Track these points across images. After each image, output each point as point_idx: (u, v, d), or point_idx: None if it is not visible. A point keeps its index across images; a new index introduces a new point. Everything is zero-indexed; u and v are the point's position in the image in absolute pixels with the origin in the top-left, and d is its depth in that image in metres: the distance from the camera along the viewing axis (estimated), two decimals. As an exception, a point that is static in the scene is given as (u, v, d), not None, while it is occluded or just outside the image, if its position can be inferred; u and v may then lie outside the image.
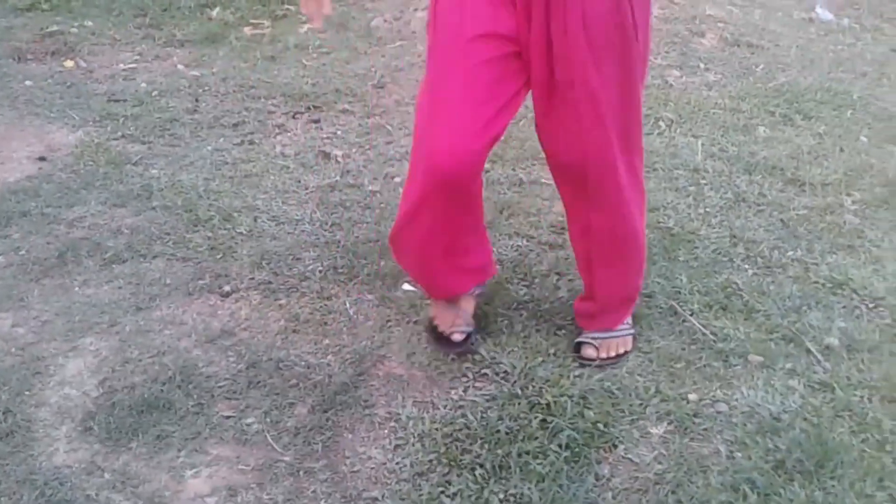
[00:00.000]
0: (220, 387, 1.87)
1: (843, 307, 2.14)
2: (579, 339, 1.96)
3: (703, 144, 2.90)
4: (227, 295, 2.16)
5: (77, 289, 2.20)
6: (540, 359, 1.94)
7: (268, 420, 1.79)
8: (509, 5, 1.62)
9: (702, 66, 3.53)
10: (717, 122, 3.08)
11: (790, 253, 2.35)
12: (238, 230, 2.43)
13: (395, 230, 1.86)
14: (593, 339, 1.94)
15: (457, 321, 1.95)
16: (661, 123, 3.04)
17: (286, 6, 4.23)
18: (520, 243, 2.37)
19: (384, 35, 3.82)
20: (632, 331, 1.99)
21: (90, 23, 4.04)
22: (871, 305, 2.16)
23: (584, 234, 1.88)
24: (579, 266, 1.97)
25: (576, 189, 1.82)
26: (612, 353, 1.93)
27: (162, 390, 1.85)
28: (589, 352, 1.93)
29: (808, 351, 1.98)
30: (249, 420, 1.79)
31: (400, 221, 1.83)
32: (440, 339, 1.97)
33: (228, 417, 1.79)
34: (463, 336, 1.95)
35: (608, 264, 1.89)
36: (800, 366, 1.94)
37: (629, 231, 1.85)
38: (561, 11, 1.59)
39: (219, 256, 2.32)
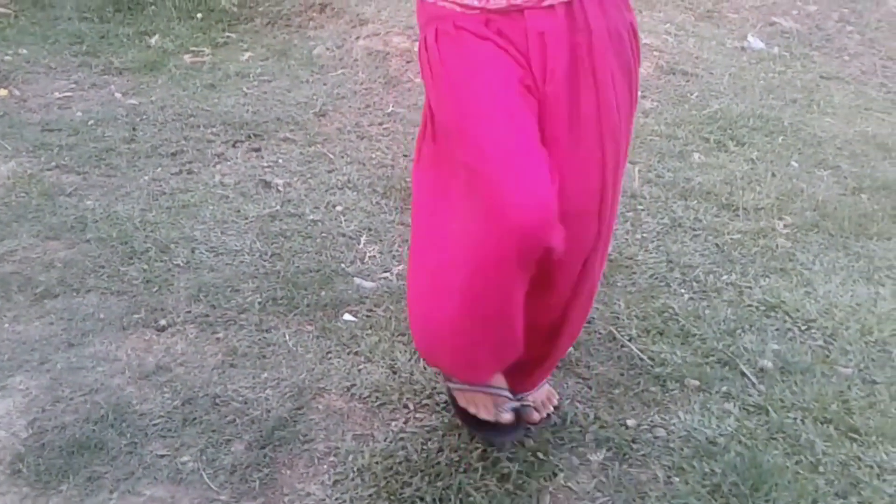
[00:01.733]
0: (154, 425, 1.83)
1: (777, 330, 2.19)
2: (522, 406, 1.77)
3: (640, 171, 2.95)
4: (163, 329, 2.12)
5: (6, 325, 2.14)
6: (480, 388, 1.94)
7: (203, 458, 1.75)
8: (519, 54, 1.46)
9: (639, 93, 3.60)
10: (654, 149, 3.14)
11: (725, 277, 2.40)
12: (175, 262, 2.39)
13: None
14: (532, 402, 1.82)
15: (498, 400, 1.70)
16: (599, 150, 3.09)
17: (227, 34, 4.21)
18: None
19: (326, 63, 3.82)
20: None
21: (25, 50, 3.96)
22: (803, 327, 2.21)
23: (560, 302, 1.64)
24: (532, 341, 1.64)
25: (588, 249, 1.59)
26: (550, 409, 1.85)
27: (94, 430, 1.80)
28: (534, 416, 1.82)
29: (743, 374, 2.02)
30: (184, 459, 1.75)
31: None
32: (485, 426, 1.72)
33: (163, 456, 1.75)
34: (512, 414, 1.69)
35: (572, 333, 1.74)
36: (735, 389, 1.97)
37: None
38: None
39: (154, 290, 2.27)
